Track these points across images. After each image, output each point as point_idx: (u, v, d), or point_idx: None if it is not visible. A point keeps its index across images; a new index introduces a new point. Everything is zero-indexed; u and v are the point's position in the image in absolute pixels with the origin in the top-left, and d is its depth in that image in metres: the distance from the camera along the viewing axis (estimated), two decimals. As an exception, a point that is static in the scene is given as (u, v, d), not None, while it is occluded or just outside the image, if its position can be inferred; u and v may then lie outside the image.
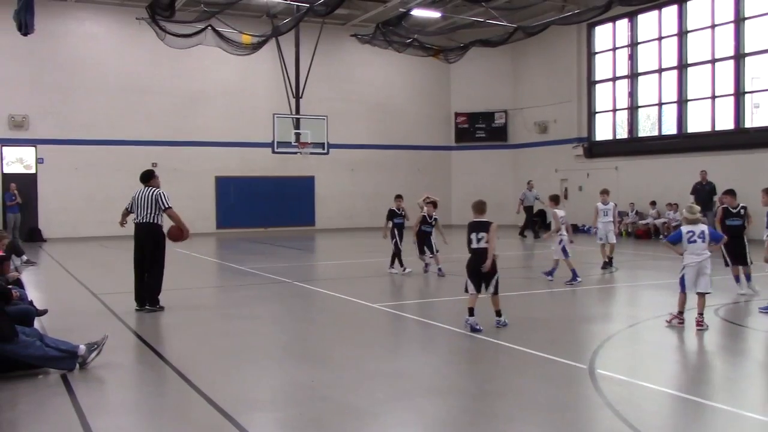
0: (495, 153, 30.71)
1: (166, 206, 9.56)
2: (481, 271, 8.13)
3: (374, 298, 10.71)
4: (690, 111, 23.46)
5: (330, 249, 21.33)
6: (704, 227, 8.37)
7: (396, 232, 14.04)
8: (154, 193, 9.61)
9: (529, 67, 29.71)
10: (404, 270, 13.60)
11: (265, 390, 6.19)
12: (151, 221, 9.57)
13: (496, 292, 8.33)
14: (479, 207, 8.42)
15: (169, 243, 9.73)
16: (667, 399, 5.74)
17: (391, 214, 14.29)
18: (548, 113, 28.56)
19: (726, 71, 22.04)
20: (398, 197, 14.72)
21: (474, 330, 8.09)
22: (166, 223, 9.82)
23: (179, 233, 9.60)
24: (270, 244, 22.00)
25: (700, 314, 8.24)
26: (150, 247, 9.63)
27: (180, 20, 21.15)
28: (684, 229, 8.35)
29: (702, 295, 8.28)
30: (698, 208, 8.58)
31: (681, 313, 8.37)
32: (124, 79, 25.20)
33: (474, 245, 8.25)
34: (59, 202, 24.33)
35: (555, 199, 12.62)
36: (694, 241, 8.22)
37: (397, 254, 13.89)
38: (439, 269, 13.27)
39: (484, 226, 8.24)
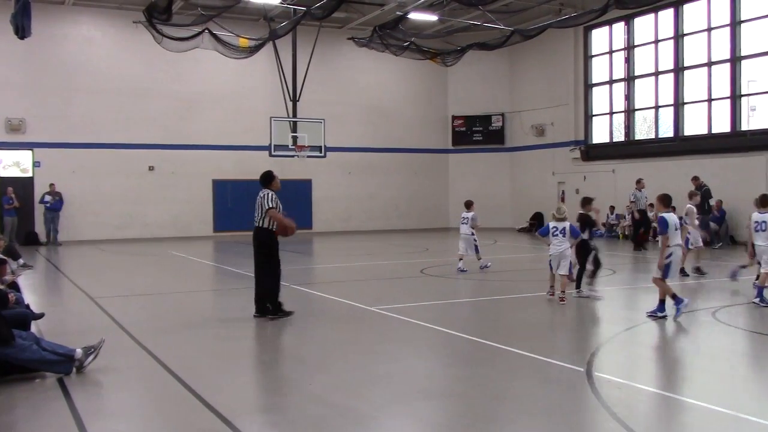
0: (492, 156, 30.74)
1: (267, 206, 9.29)
2: None
3: (372, 301, 10.70)
4: (686, 114, 23.52)
5: (327, 252, 21.31)
6: (567, 224, 10.43)
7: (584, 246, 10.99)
8: (263, 194, 9.41)
9: (526, 70, 29.75)
10: (589, 290, 10.96)
11: (262, 394, 6.18)
12: (258, 225, 9.44)
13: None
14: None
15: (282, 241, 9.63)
16: (664, 402, 5.74)
17: (589, 223, 10.98)
18: (545, 116, 28.60)
19: (722, 74, 22.10)
20: (587, 201, 11.21)
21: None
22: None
23: (283, 231, 9.44)
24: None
25: (563, 292, 10.31)
26: (256, 252, 9.55)
27: (177, 23, 21.16)
28: (550, 225, 10.58)
29: (562, 276, 10.34)
30: (565, 209, 10.64)
31: (552, 287, 10.65)
32: (121, 83, 25.18)
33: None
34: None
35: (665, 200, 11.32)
36: (556, 235, 10.42)
37: (583, 273, 11.01)
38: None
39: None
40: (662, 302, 8.95)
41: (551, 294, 10.70)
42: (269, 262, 9.52)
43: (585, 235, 10.89)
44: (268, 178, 9.63)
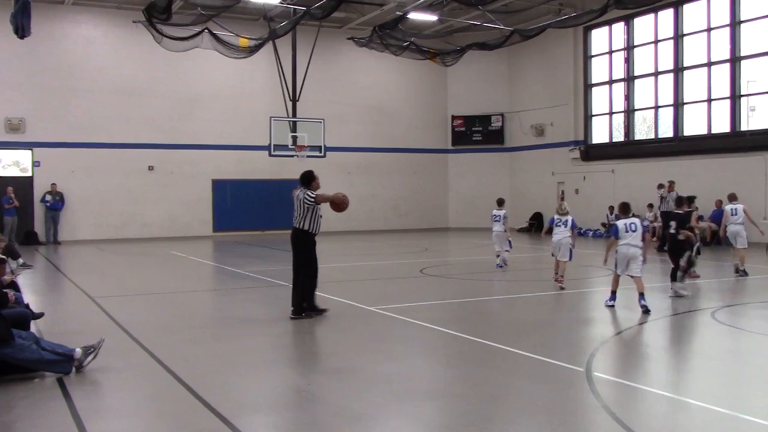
0: (491, 156, 30.75)
1: (311, 201, 9.17)
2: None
3: (371, 301, 10.70)
4: (686, 114, 23.53)
5: (326, 252, 21.26)
6: (569, 218, 11.87)
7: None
8: (302, 194, 9.25)
9: (526, 70, 29.76)
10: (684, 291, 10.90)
11: (262, 394, 6.18)
12: (296, 226, 9.30)
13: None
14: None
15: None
16: (664, 402, 5.73)
17: (682, 224, 11.26)
18: (545, 116, 28.61)
19: (722, 74, 22.10)
20: (689, 200, 12.20)
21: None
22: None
23: (337, 207, 9.35)
24: (266, 247, 21.97)
25: (561, 276, 11.73)
26: (294, 252, 9.42)
27: (177, 23, 21.13)
28: (555, 217, 12.02)
29: (563, 262, 11.77)
30: (567, 206, 12.15)
31: (556, 272, 11.85)
32: (121, 82, 25.17)
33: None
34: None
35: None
36: (558, 226, 11.90)
37: (677, 272, 11.08)
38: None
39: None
40: (614, 293, 10.01)
41: (556, 279, 11.83)
42: (303, 266, 9.39)
43: (681, 236, 11.14)
44: (309, 178, 9.44)
